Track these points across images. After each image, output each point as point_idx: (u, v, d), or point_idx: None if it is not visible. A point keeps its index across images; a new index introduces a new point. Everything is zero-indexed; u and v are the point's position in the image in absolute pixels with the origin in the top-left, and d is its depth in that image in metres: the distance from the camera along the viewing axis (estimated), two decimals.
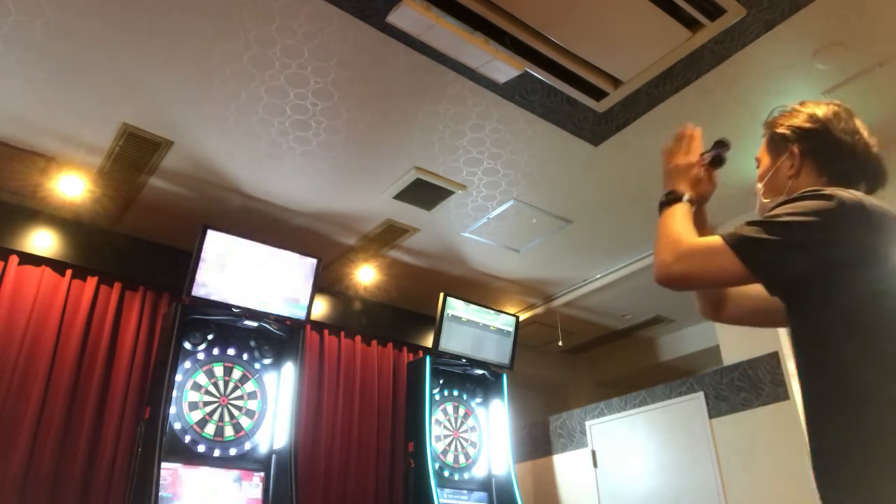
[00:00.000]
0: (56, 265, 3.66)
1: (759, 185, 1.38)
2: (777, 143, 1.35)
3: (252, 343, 3.82)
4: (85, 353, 3.59)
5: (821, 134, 1.29)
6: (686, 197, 1.34)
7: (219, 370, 3.67)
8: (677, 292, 1.32)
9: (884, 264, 1.13)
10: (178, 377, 3.46)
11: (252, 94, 2.94)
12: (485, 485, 4.46)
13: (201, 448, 3.45)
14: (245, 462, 3.57)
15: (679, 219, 1.29)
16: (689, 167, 1.38)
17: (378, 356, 4.78)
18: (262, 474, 3.59)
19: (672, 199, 1.34)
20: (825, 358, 1.14)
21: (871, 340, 1.10)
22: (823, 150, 1.28)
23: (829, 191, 1.14)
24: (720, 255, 1.15)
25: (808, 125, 1.30)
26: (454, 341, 4.49)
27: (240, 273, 3.68)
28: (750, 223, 1.16)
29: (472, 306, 4.62)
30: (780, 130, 1.34)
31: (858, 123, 1.29)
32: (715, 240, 1.18)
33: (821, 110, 1.31)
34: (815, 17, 2.60)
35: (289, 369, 3.83)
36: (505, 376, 4.74)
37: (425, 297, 4.74)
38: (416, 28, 2.51)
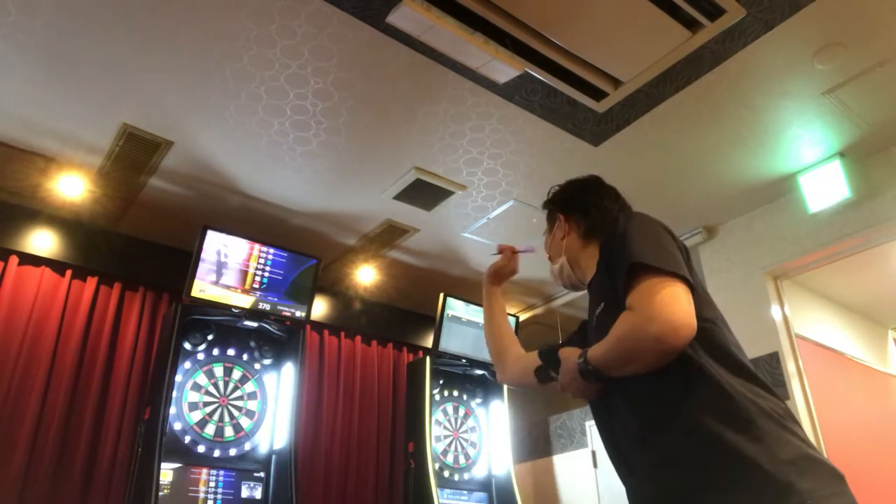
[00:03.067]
0: (56, 265, 3.66)
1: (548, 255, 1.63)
2: (548, 217, 1.63)
3: (252, 343, 3.82)
4: (85, 353, 3.59)
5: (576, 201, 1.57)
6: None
7: (219, 370, 3.67)
8: None
9: None
10: (178, 377, 3.46)
11: (252, 95, 2.94)
12: (485, 485, 4.46)
13: (201, 448, 3.45)
14: (245, 462, 3.57)
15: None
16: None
17: (378, 356, 4.78)
18: (262, 474, 3.59)
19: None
20: None
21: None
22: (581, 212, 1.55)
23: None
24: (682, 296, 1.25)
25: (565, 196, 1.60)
26: (454, 341, 4.48)
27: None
28: None
29: (472, 306, 4.62)
30: (547, 205, 1.63)
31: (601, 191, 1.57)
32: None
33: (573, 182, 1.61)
34: (815, 17, 2.60)
35: (289, 369, 3.83)
36: None
37: (425, 297, 4.74)
38: (416, 28, 2.51)
